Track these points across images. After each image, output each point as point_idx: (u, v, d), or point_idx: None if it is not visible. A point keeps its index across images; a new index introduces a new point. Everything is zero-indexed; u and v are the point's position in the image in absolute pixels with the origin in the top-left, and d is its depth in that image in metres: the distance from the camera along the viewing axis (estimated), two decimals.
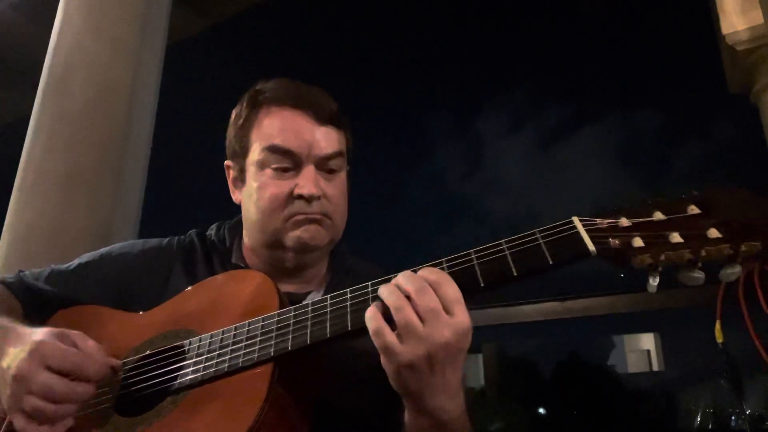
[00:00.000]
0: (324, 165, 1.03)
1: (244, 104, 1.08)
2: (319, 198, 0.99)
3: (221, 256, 1.09)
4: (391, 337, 0.71)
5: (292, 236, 1.00)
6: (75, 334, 0.84)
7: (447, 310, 0.72)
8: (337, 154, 1.04)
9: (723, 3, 3.29)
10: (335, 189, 1.03)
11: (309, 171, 1.00)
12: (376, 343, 0.72)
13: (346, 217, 1.09)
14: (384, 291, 0.74)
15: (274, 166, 1.01)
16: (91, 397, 0.82)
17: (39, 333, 0.82)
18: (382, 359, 0.73)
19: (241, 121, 1.07)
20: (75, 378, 0.79)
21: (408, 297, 0.72)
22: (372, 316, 0.73)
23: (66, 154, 2.92)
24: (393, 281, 0.75)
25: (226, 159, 1.12)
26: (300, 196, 0.98)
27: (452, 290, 0.73)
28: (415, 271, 0.78)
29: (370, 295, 0.79)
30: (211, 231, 1.15)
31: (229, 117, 1.12)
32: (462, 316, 0.73)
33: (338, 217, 1.04)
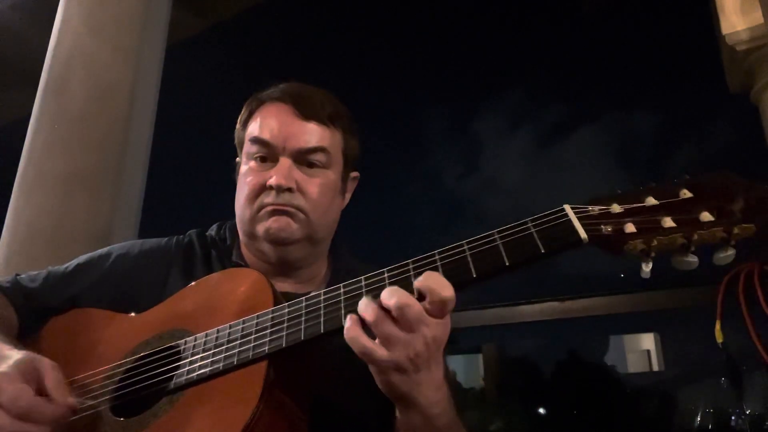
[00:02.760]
0: (302, 159, 1.03)
1: (247, 102, 1.11)
2: (290, 190, 1.00)
3: (221, 255, 1.10)
4: (368, 343, 0.71)
5: (262, 226, 1.02)
6: (46, 366, 0.81)
7: (433, 315, 0.72)
8: (318, 150, 1.04)
9: (723, 3, 3.29)
10: (314, 185, 1.03)
11: (283, 162, 1.02)
12: (356, 350, 0.72)
13: (332, 215, 1.09)
14: (360, 305, 0.73)
15: (254, 157, 1.05)
16: None
17: (7, 362, 0.80)
18: (369, 365, 0.74)
19: (242, 117, 1.11)
20: (26, 420, 0.76)
21: (388, 311, 0.71)
22: (349, 327, 0.72)
23: (66, 154, 2.92)
24: (377, 297, 0.74)
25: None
26: (270, 187, 1.00)
27: (444, 298, 0.72)
28: (406, 267, 0.78)
29: (364, 290, 0.79)
30: (212, 231, 1.16)
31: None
32: (446, 318, 0.73)
33: (316, 213, 1.03)
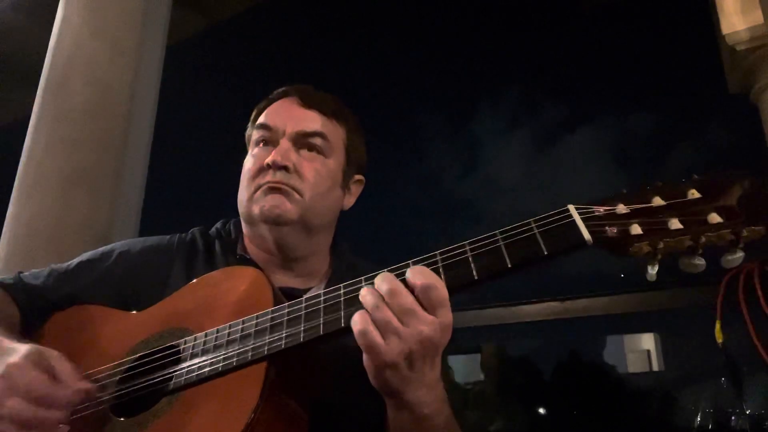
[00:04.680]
0: (302, 142, 1.06)
1: (258, 104, 1.16)
2: (286, 169, 1.02)
3: (225, 247, 1.10)
4: (376, 336, 0.71)
5: (257, 206, 1.03)
6: (54, 356, 0.82)
7: (429, 310, 0.72)
8: (316, 134, 1.06)
9: (723, 3, 3.29)
10: (311, 168, 1.05)
11: (282, 144, 1.05)
12: (361, 342, 0.72)
13: (329, 203, 1.09)
14: (362, 291, 0.74)
15: (257, 143, 1.09)
16: (63, 421, 0.79)
17: (16, 354, 0.81)
18: (365, 358, 0.73)
19: (252, 117, 1.15)
20: (44, 405, 0.77)
21: (383, 297, 0.72)
22: (359, 318, 0.73)
23: (66, 153, 2.91)
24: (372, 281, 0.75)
25: None
26: (268, 165, 1.02)
27: (436, 293, 0.72)
28: (405, 266, 0.78)
29: None
30: (217, 226, 1.17)
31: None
32: (444, 316, 0.73)
33: (310, 194, 1.04)
